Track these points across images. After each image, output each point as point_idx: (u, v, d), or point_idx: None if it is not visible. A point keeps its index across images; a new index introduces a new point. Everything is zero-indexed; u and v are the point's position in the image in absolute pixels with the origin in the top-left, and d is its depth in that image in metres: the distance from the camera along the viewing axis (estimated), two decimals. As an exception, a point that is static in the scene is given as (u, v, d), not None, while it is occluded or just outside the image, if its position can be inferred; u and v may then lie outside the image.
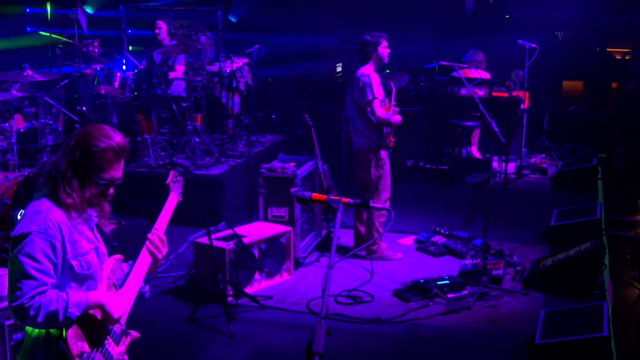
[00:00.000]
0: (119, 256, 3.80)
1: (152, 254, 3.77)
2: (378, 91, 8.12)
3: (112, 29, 12.68)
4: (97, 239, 3.66)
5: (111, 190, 3.57)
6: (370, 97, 8.07)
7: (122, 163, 3.57)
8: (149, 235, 3.78)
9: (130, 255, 3.89)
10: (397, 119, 8.30)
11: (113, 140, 3.52)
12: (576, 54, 15.77)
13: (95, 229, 3.67)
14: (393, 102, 8.43)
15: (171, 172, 4.13)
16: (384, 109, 8.19)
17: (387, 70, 12.29)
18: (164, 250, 3.82)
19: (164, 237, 3.82)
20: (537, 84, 13.41)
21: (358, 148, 8.33)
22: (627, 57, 15.11)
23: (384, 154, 8.28)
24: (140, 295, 3.78)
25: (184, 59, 10.77)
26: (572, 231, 8.49)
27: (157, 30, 10.97)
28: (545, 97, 13.23)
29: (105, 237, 3.74)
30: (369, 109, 8.09)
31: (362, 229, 8.45)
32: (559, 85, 15.88)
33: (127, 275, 3.73)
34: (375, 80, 8.14)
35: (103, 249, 3.68)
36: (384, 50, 8.25)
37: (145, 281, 3.78)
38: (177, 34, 10.95)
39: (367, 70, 8.18)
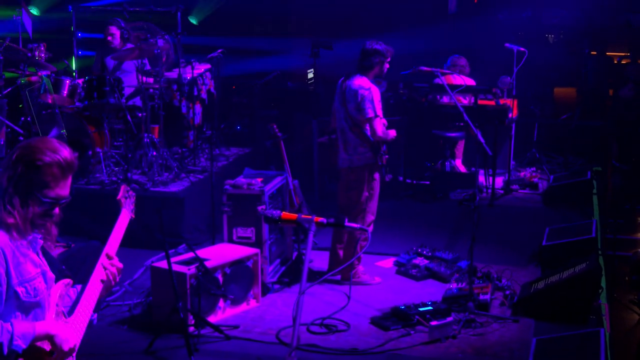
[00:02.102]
0: (67, 280, 3.77)
1: (106, 273, 3.74)
2: (379, 107, 8.06)
3: (60, 32, 12.63)
4: (44, 263, 3.63)
5: (57, 210, 3.53)
6: (371, 115, 7.99)
7: (69, 180, 3.54)
8: (104, 251, 3.76)
9: (82, 281, 3.86)
10: (392, 134, 8.27)
11: (59, 154, 3.48)
12: (569, 58, 15.91)
13: (40, 252, 3.64)
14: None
15: (122, 187, 4.11)
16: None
17: None
18: (117, 270, 3.80)
19: (116, 258, 3.81)
20: (527, 91, 13.54)
21: (349, 165, 8.24)
22: (623, 62, 15.26)
23: (376, 173, 8.26)
24: (88, 323, 3.74)
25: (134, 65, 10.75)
26: (566, 251, 8.54)
27: (109, 37, 10.94)
28: (535, 106, 13.32)
29: (51, 261, 3.71)
30: (367, 126, 8.03)
31: (341, 252, 8.43)
32: (550, 92, 16.00)
33: (77, 300, 3.70)
34: (377, 95, 8.06)
35: (50, 273, 3.65)
36: (387, 65, 8.21)
37: (96, 309, 3.76)
38: (131, 37, 10.92)
39: (367, 83, 8.06)
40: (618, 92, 13.63)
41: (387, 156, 8.31)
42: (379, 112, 8.04)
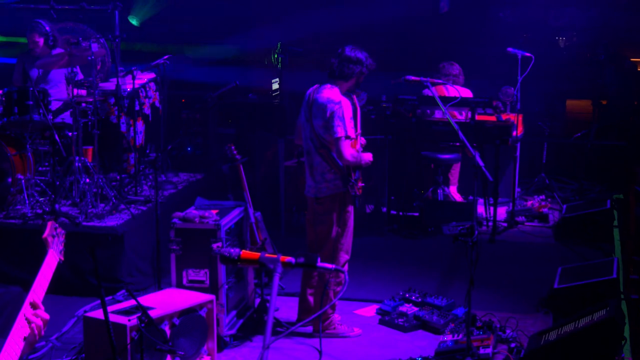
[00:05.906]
0: (-22, 337, 3.74)
1: (30, 327, 3.71)
2: (351, 126, 8.00)
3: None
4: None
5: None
6: (340, 134, 7.89)
7: None
8: (27, 300, 3.73)
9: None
10: (367, 158, 8.22)
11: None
12: (583, 66, 16.02)
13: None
14: (359, 130, 8.37)
15: (49, 224, 4.09)
16: (354, 148, 8.12)
17: None
18: (43, 323, 3.77)
19: (42, 307, 3.78)
20: (534, 104, 13.60)
21: (315, 195, 8.20)
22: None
23: (349, 206, 8.23)
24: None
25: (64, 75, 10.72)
26: (582, 295, 8.57)
27: (31, 46, 10.94)
28: (544, 122, 13.41)
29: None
30: (334, 148, 7.98)
31: (312, 298, 8.41)
32: (562, 105, 16.10)
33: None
34: (348, 111, 7.98)
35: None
36: (363, 80, 8.25)
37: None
38: (59, 41, 10.90)
39: (337, 96, 7.98)
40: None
41: (362, 184, 8.29)
42: (350, 131, 7.98)
